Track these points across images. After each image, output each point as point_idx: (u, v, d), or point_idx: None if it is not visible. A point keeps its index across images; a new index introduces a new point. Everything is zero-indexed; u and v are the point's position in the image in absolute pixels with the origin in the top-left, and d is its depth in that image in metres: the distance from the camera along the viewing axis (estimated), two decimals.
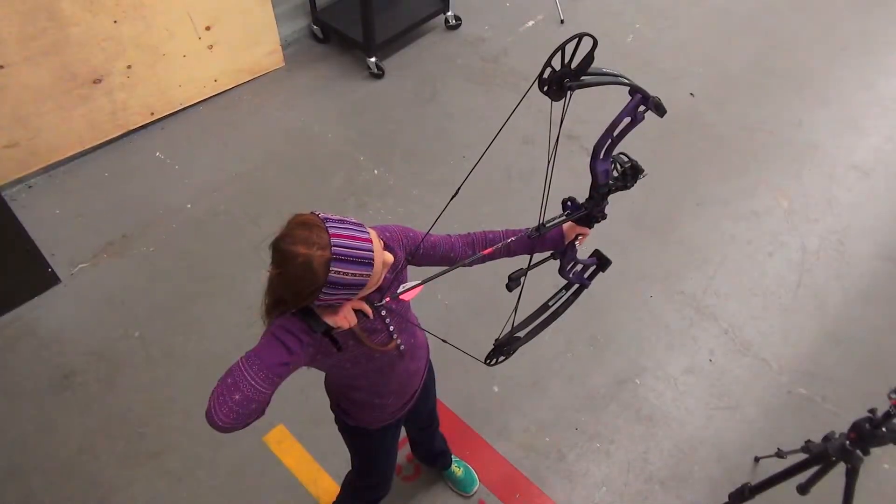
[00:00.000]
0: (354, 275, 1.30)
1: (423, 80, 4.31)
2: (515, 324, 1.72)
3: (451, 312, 3.15)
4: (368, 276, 1.32)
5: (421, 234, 1.65)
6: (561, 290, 1.80)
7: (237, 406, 1.29)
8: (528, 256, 1.59)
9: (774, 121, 4.10)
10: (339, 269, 1.27)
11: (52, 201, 3.57)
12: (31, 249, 3.10)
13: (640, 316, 3.17)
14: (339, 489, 2.34)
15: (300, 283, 1.28)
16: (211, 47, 3.93)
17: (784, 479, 2.32)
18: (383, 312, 1.58)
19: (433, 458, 2.55)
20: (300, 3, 4.45)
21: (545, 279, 1.85)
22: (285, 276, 1.29)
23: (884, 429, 1.96)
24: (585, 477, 2.68)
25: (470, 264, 1.64)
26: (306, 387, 2.77)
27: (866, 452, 2.04)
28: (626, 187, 1.59)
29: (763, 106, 4.19)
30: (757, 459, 2.71)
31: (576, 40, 1.24)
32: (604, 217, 1.64)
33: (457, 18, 4.65)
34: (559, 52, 1.25)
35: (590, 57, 1.29)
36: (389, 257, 1.41)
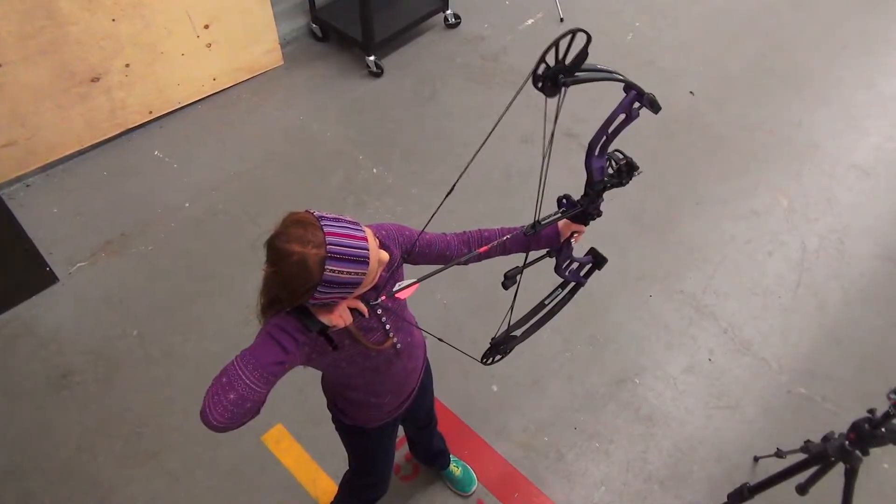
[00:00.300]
0: (350, 273, 1.29)
1: (422, 79, 4.31)
2: (512, 323, 1.72)
3: (450, 311, 3.14)
4: (364, 274, 1.32)
5: (417, 233, 1.65)
6: (557, 288, 1.79)
7: (232, 405, 1.28)
8: (524, 255, 1.59)
9: (774, 120, 4.09)
10: (334, 268, 1.27)
11: (51, 200, 3.57)
12: (30, 248, 3.09)
13: (639, 315, 3.17)
14: (337, 489, 2.33)
15: (295, 282, 1.27)
16: (209, 46, 3.92)
17: (783, 479, 2.31)
18: (379, 311, 1.57)
19: (431, 457, 2.54)
20: (299, 1, 4.44)
21: (541, 277, 1.84)
22: (280, 274, 1.28)
23: (883, 429, 1.95)
24: (584, 477, 2.68)
25: (465, 262, 1.63)
26: (305, 386, 2.77)
27: (865, 453, 2.04)
28: (621, 184, 1.58)
29: (763, 105, 4.19)
30: (756, 459, 2.70)
31: (570, 36, 1.23)
32: (599, 214, 1.64)
33: (456, 17, 4.64)
34: (553, 49, 1.25)
35: (584, 53, 1.28)
36: (385, 256, 1.40)
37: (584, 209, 1.59)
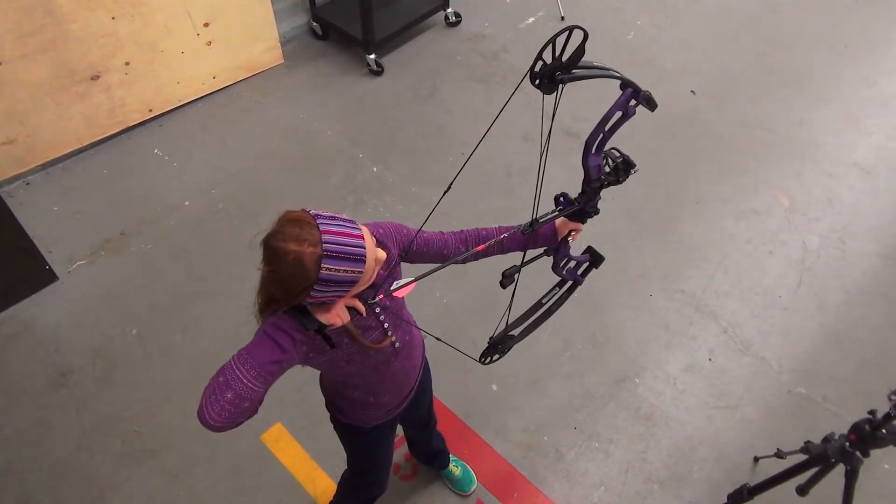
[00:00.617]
0: (346, 271, 1.29)
1: (422, 78, 4.30)
2: (510, 322, 1.71)
3: (449, 310, 3.13)
4: (360, 272, 1.31)
5: (414, 231, 1.65)
6: (554, 287, 1.79)
7: (229, 405, 1.28)
8: (522, 253, 1.59)
9: (775, 119, 4.08)
10: (331, 266, 1.27)
11: (50, 198, 3.56)
12: (29, 247, 3.09)
13: (639, 315, 3.16)
14: (336, 488, 2.33)
15: (291, 281, 1.27)
16: (209, 44, 3.91)
17: (783, 480, 2.31)
18: (377, 310, 1.57)
19: (431, 457, 2.54)
20: None
21: (539, 276, 1.84)
22: (277, 273, 1.28)
23: (884, 430, 1.94)
24: (584, 476, 2.67)
25: (463, 261, 1.63)
26: (304, 385, 2.76)
27: (866, 454, 2.03)
28: (618, 182, 1.58)
29: (764, 104, 4.18)
30: (756, 460, 2.70)
31: (566, 33, 1.23)
32: (596, 212, 1.64)
33: (457, 15, 4.64)
34: (550, 46, 1.25)
35: (581, 50, 1.28)
36: (382, 254, 1.40)
37: (581, 207, 1.59)
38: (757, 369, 2.98)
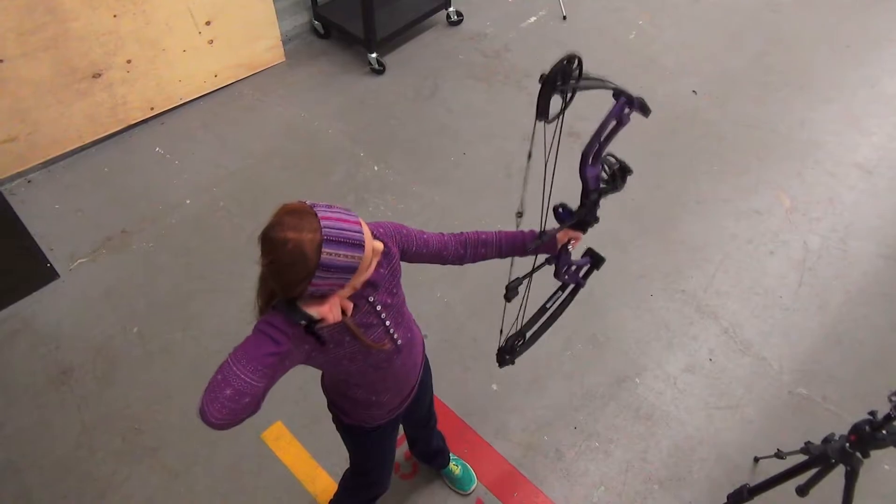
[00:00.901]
0: (346, 257, 1.29)
1: (423, 76, 4.30)
2: (515, 330, 1.73)
3: (450, 309, 3.13)
4: (360, 258, 1.31)
5: (414, 232, 1.67)
6: (557, 290, 1.80)
7: (229, 401, 1.28)
8: (528, 263, 1.61)
9: (776, 119, 4.08)
10: (331, 251, 1.27)
11: (51, 196, 3.56)
12: (30, 244, 3.09)
13: (640, 315, 3.16)
14: (336, 487, 2.33)
15: (292, 270, 1.27)
16: (211, 42, 3.91)
17: (783, 481, 2.30)
18: (379, 307, 1.57)
19: (431, 456, 2.54)
20: None
21: (540, 278, 1.83)
22: (276, 264, 1.28)
23: (884, 431, 1.94)
24: (584, 476, 2.67)
25: (461, 263, 1.69)
26: (304, 384, 2.77)
27: (866, 455, 2.03)
28: (616, 189, 1.58)
29: (765, 104, 4.17)
30: (756, 460, 2.69)
31: (565, 62, 1.26)
32: (596, 221, 1.64)
33: (458, 14, 4.63)
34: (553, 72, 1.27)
35: (578, 70, 1.28)
36: (379, 245, 1.40)
37: (580, 219, 1.59)
38: (757, 369, 2.98)
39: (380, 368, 1.68)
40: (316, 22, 4.49)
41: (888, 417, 1.92)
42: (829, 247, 3.43)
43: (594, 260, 1.77)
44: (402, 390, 1.85)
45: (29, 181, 3.62)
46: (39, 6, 3.19)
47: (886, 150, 3.91)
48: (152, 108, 3.90)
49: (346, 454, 2.09)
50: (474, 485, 2.63)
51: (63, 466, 2.67)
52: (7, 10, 3.11)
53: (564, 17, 4.69)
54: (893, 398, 1.90)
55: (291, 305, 1.32)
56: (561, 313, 1.82)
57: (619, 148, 1.55)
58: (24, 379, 2.90)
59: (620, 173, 1.55)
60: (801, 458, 2.24)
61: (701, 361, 3.00)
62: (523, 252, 1.66)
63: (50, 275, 3.20)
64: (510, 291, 1.54)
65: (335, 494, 2.32)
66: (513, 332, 1.76)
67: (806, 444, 2.25)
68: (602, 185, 1.55)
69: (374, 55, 4.23)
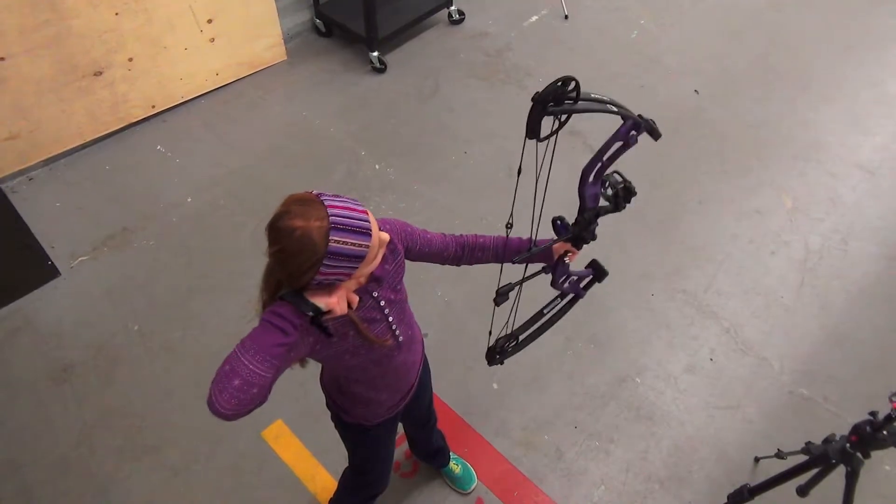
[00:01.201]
0: (354, 244, 1.30)
1: (425, 75, 4.30)
2: (511, 330, 1.72)
3: (451, 308, 3.13)
4: (367, 246, 1.32)
5: (418, 231, 1.68)
6: (556, 297, 1.79)
7: (237, 392, 1.28)
8: (519, 269, 1.61)
9: (778, 119, 4.08)
10: (339, 238, 1.28)
11: (53, 194, 3.57)
12: (31, 242, 3.10)
13: (640, 314, 3.16)
14: (336, 485, 2.33)
15: (300, 258, 1.27)
16: (213, 40, 3.91)
17: (784, 481, 2.30)
18: (382, 303, 1.58)
19: (431, 455, 2.54)
20: None
21: (536, 285, 1.83)
22: (284, 253, 1.28)
23: (885, 432, 1.94)
24: (584, 475, 2.67)
25: (457, 264, 1.74)
26: (305, 381, 2.77)
27: (867, 455, 2.03)
28: (616, 210, 1.54)
29: (767, 103, 4.17)
30: (757, 460, 2.69)
31: (559, 84, 1.23)
32: (593, 238, 1.62)
33: (460, 13, 4.63)
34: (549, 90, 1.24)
35: (574, 92, 1.26)
36: (385, 236, 1.42)
37: (574, 235, 1.58)
38: (758, 370, 2.98)
39: (380, 364, 1.69)
40: (317, 20, 4.49)
41: (889, 418, 1.92)
42: (830, 247, 3.43)
43: (596, 273, 1.75)
44: (402, 388, 1.86)
45: (30, 179, 3.63)
46: (41, 4, 3.19)
47: (888, 150, 3.90)
48: (153, 107, 3.90)
49: (346, 452, 2.09)
50: (474, 484, 2.63)
51: (64, 464, 2.67)
52: (9, 7, 3.11)
53: (566, 17, 4.69)
54: (894, 398, 1.90)
55: (299, 296, 1.33)
56: (557, 321, 1.81)
57: (620, 172, 1.52)
58: (25, 376, 2.91)
59: (624, 193, 1.51)
60: (802, 458, 2.24)
61: (701, 361, 3.00)
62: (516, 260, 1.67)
63: (51, 273, 3.20)
64: (500, 296, 1.55)
65: (335, 493, 2.32)
66: (504, 333, 1.75)
67: (806, 444, 2.25)
68: (601, 206, 1.52)
69: (375, 54, 4.23)
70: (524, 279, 1.62)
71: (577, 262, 1.76)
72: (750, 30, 4.68)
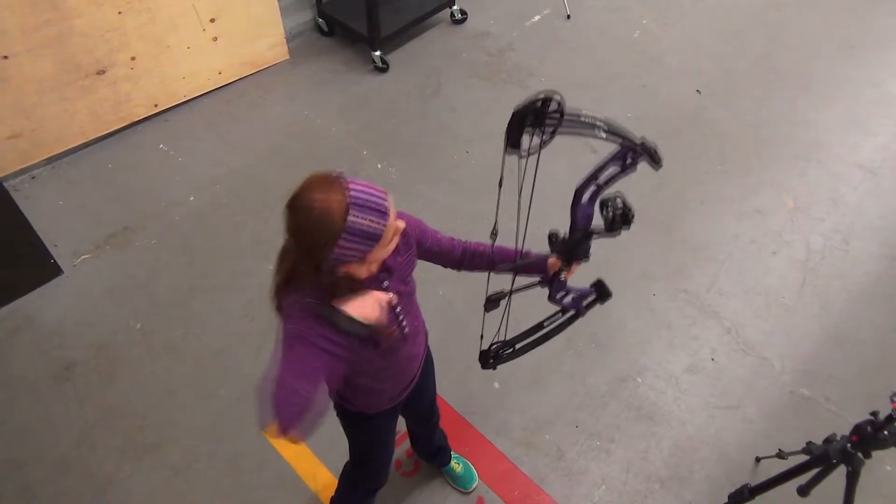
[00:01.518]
0: (371, 222, 1.32)
1: (427, 75, 4.30)
2: (503, 336, 1.73)
3: (452, 308, 3.14)
4: (384, 226, 1.34)
5: (430, 229, 1.72)
6: (557, 312, 1.76)
7: (310, 422, 1.31)
8: (511, 278, 1.63)
9: (780, 119, 4.07)
10: (357, 215, 1.30)
11: (55, 192, 3.57)
12: (34, 240, 3.10)
13: (641, 314, 3.16)
14: (337, 481, 2.33)
15: (318, 233, 1.29)
16: (215, 39, 3.92)
17: (785, 481, 2.30)
18: (391, 294, 1.59)
19: (433, 454, 2.54)
20: None
21: (532, 295, 1.83)
22: (303, 228, 1.31)
23: (886, 432, 1.94)
24: (585, 475, 2.67)
25: (458, 270, 1.80)
26: None
27: (868, 455, 2.03)
28: (611, 234, 1.48)
29: (768, 103, 4.17)
30: (758, 460, 2.69)
31: (540, 103, 1.22)
32: (587, 259, 1.59)
33: (462, 13, 4.63)
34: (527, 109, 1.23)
35: (559, 113, 1.24)
36: (401, 223, 1.44)
37: (561, 251, 1.57)
38: (759, 369, 2.98)
39: (385, 356, 1.71)
40: (320, 20, 4.50)
41: (890, 418, 1.92)
42: (831, 247, 3.42)
43: (600, 293, 1.71)
44: (404, 379, 1.88)
45: (33, 177, 3.63)
46: (44, 3, 3.20)
47: (890, 150, 3.90)
48: (156, 105, 3.90)
49: (347, 451, 2.09)
50: (475, 483, 2.63)
51: (65, 463, 2.67)
52: (12, 6, 3.12)
53: (568, 16, 4.69)
54: (895, 398, 1.90)
55: (338, 312, 1.33)
56: (555, 335, 1.78)
57: (623, 195, 1.49)
58: (26, 375, 2.91)
59: (622, 218, 1.45)
60: (803, 458, 2.24)
61: (702, 361, 3.00)
62: (514, 271, 1.68)
63: (53, 271, 3.21)
64: (490, 303, 1.55)
65: (336, 488, 2.32)
66: (497, 339, 1.75)
67: (807, 444, 2.25)
68: (593, 229, 1.48)
69: (377, 53, 4.23)
70: (513, 290, 1.62)
71: (583, 279, 1.74)
72: (751, 29, 4.68)
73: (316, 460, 2.68)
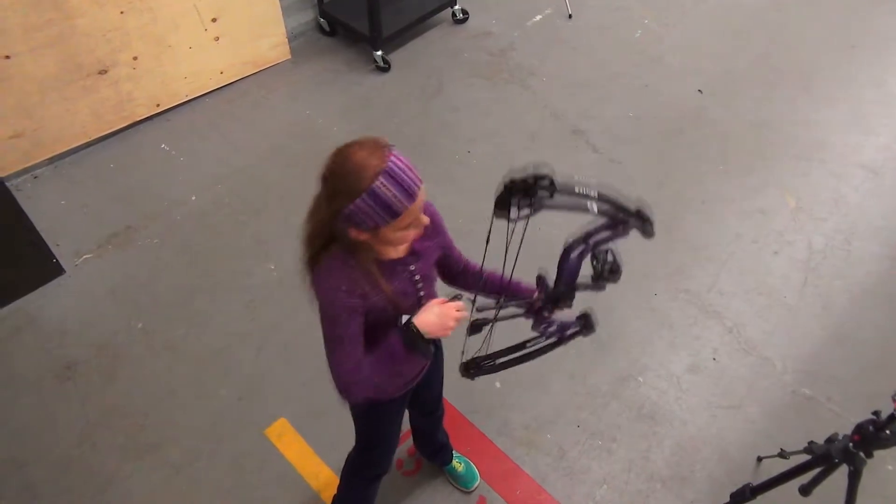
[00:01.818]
0: (395, 197, 1.36)
1: (428, 74, 4.30)
2: (486, 350, 1.74)
3: None
4: (406, 207, 1.38)
5: (449, 235, 1.77)
6: (540, 336, 1.70)
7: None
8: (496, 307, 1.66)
9: (782, 119, 4.07)
10: (385, 183, 1.34)
11: (58, 192, 3.58)
12: (36, 240, 3.10)
13: (643, 314, 3.16)
14: (340, 473, 2.33)
15: (343, 182, 1.35)
16: (217, 39, 3.92)
17: (786, 480, 2.30)
18: (417, 277, 1.64)
19: (435, 452, 2.54)
20: None
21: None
22: (334, 172, 1.38)
23: (888, 431, 1.94)
24: (586, 474, 2.67)
25: (452, 283, 1.87)
26: (308, 380, 2.78)
27: (869, 455, 2.03)
28: (596, 289, 1.45)
29: (770, 103, 4.17)
30: (759, 459, 2.69)
31: (531, 179, 1.25)
32: (569, 307, 1.56)
33: (464, 12, 4.63)
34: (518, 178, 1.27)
35: (550, 186, 1.25)
36: (426, 219, 1.49)
37: (544, 299, 1.57)
38: (761, 369, 2.98)
39: None
40: (321, 19, 4.50)
41: (892, 417, 1.92)
42: (833, 247, 3.42)
43: (584, 326, 1.64)
44: (415, 365, 1.89)
45: (35, 177, 3.64)
46: (46, 2, 3.20)
47: (892, 150, 3.90)
48: (158, 105, 3.90)
49: (349, 450, 2.10)
50: (477, 482, 2.63)
51: (66, 461, 2.68)
52: (14, 6, 3.12)
53: (570, 16, 4.69)
54: None
55: (415, 338, 1.52)
56: (536, 357, 1.73)
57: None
58: (28, 374, 2.91)
59: (609, 273, 1.41)
60: (805, 457, 2.24)
61: (704, 361, 3.00)
62: (501, 293, 1.71)
63: (55, 270, 3.21)
64: (473, 329, 1.56)
65: (340, 478, 2.31)
66: (481, 353, 1.75)
67: (809, 443, 2.25)
68: (579, 284, 1.46)
69: (379, 53, 4.24)
70: (497, 318, 1.63)
71: (576, 302, 1.70)
72: (752, 29, 4.68)
73: (317, 459, 2.68)
